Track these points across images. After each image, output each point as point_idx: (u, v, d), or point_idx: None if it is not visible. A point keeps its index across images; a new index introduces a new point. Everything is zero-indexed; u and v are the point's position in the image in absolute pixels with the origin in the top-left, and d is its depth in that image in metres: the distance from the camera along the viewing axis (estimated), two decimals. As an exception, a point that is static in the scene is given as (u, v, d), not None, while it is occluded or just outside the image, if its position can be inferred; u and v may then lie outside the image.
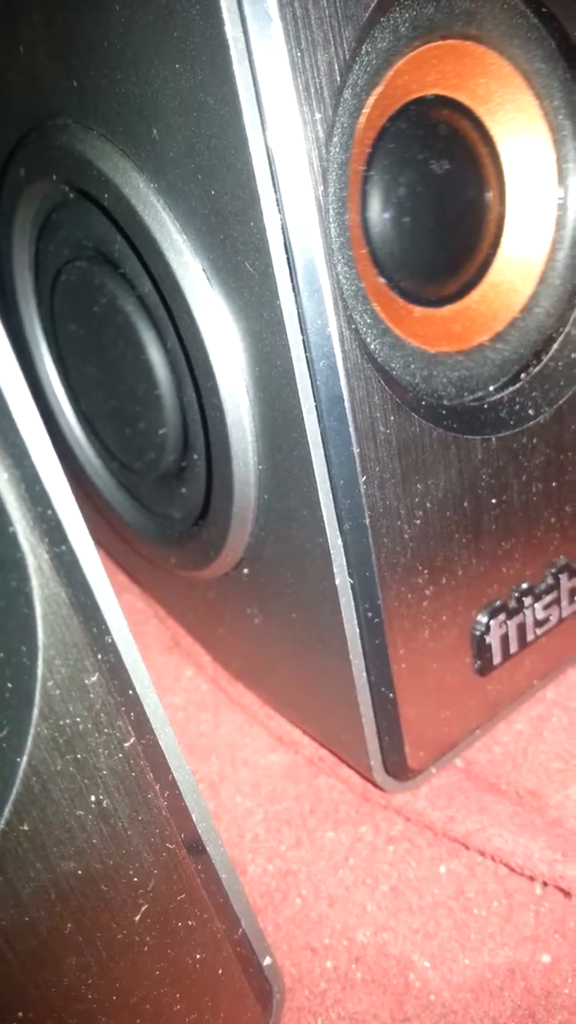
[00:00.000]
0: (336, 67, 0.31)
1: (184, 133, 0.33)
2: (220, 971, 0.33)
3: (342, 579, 0.37)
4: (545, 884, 0.41)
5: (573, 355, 0.42)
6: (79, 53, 0.36)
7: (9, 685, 0.26)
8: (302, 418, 0.34)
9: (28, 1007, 0.27)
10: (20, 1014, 0.27)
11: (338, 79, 0.31)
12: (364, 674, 0.40)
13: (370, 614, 0.38)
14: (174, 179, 0.35)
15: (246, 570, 0.44)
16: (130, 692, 0.28)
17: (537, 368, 0.41)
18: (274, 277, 0.32)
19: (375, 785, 0.43)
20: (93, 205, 0.39)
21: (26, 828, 0.26)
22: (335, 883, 0.42)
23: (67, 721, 0.26)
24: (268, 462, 0.38)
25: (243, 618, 0.47)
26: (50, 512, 0.25)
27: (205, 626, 0.54)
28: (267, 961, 0.35)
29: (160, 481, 0.45)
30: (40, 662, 0.25)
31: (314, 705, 0.46)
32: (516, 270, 0.42)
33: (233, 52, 0.29)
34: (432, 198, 0.39)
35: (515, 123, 0.40)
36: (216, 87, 0.30)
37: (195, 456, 0.42)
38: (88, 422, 0.50)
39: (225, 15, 0.29)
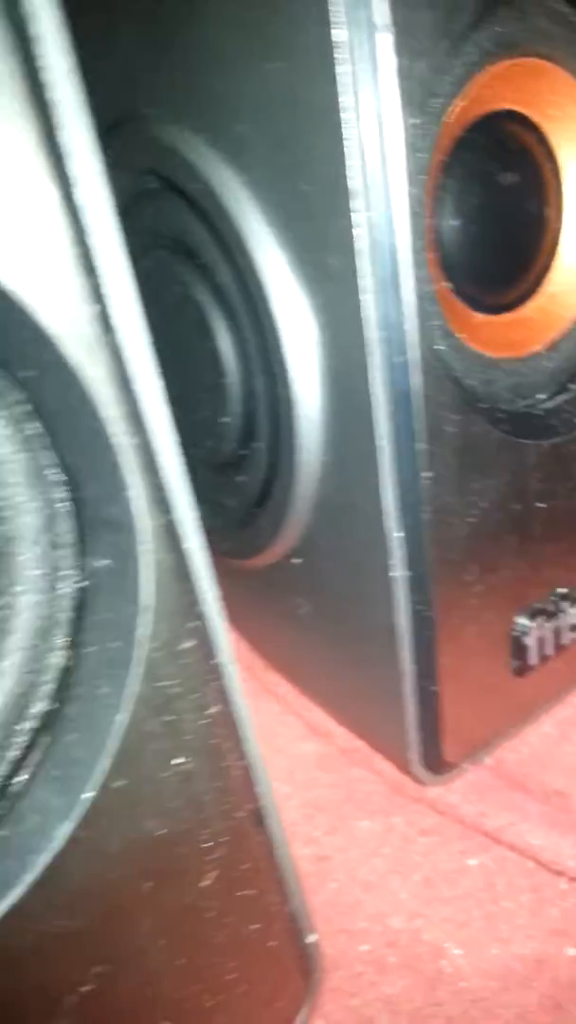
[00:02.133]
0: (432, 75, 0.33)
1: (277, 129, 0.34)
2: (271, 944, 0.34)
3: (398, 572, 0.39)
4: (572, 880, 0.42)
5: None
6: (174, 48, 0.37)
7: (115, 644, 0.26)
8: (372, 412, 0.35)
9: (105, 962, 0.28)
10: (98, 969, 0.28)
11: (432, 87, 0.33)
12: (411, 666, 0.41)
13: (421, 608, 0.39)
14: (263, 173, 0.36)
15: (296, 559, 0.45)
16: (213, 661, 0.29)
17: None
18: (358, 273, 0.33)
19: (412, 777, 0.44)
20: (176, 196, 0.40)
21: (119, 784, 0.27)
22: (369, 870, 0.43)
23: (163, 684, 0.27)
24: (333, 454, 0.39)
25: (287, 607, 0.48)
26: (162, 482, 0.26)
27: (244, 614, 0.55)
28: (310, 938, 0.36)
29: (216, 469, 0.46)
30: (145, 624, 0.26)
31: (353, 696, 0.47)
32: (571, 282, 0.44)
33: (337, 55, 0.30)
34: (497, 209, 0.41)
35: None
36: (316, 87, 0.32)
37: (257, 445, 0.43)
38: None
39: (333, 19, 0.30)
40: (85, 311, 0.23)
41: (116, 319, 0.24)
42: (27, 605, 0.27)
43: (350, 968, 0.39)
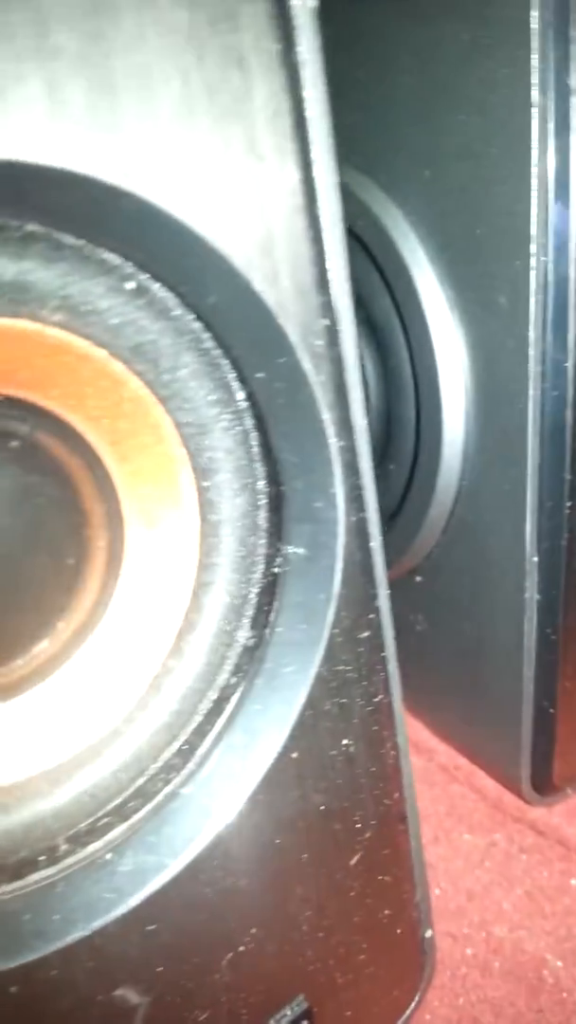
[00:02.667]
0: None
1: (460, 177, 0.37)
2: (398, 931, 0.36)
3: (531, 595, 0.41)
4: None
5: None
6: (357, 95, 0.41)
7: (303, 627, 0.29)
8: (526, 442, 0.38)
9: (261, 926, 0.30)
10: (255, 931, 0.30)
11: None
12: (531, 687, 0.43)
13: (549, 631, 0.41)
14: (436, 215, 0.39)
15: (419, 577, 0.47)
16: (382, 653, 0.31)
17: None
18: (529, 312, 0.36)
19: (520, 796, 0.46)
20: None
21: (294, 756, 0.29)
22: (472, 880, 0.45)
23: (341, 668, 0.30)
24: (473, 478, 0.41)
25: (402, 623, 0.50)
26: (360, 482, 0.29)
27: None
28: (428, 933, 0.38)
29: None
30: (332, 610, 0.29)
31: (464, 714, 0.49)
32: None
33: (534, 113, 0.33)
34: None
35: None
36: (508, 142, 0.35)
37: (391, 466, 0.46)
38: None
39: (534, 82, 0.33)
40: (319, 324, 0.26)
41: (341, 333, 0.27)
42: (224, 584, 0.29)
43: (456, 969, 0.41)
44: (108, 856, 0.27)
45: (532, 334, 0.36)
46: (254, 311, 0.25)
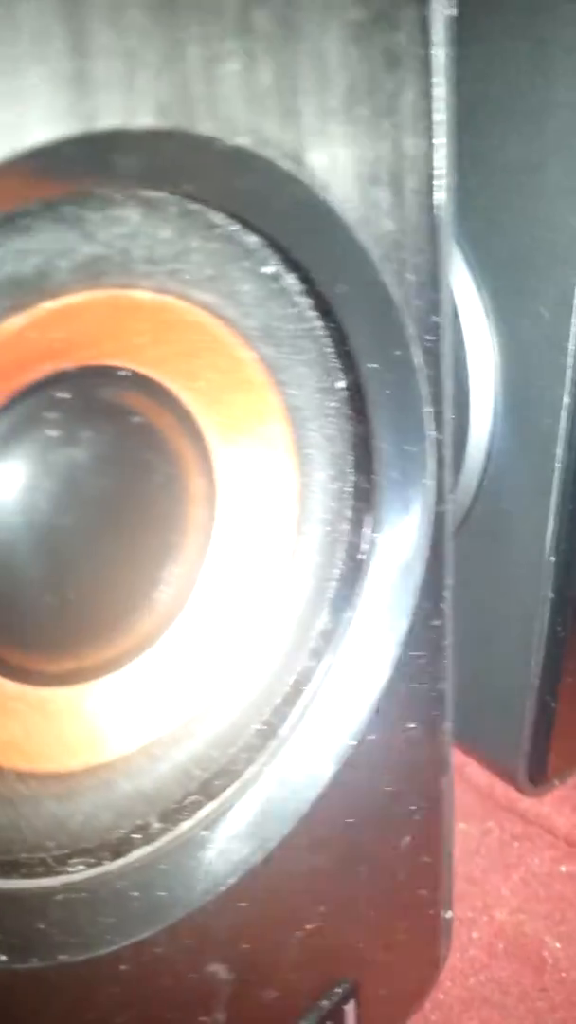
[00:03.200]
0: None
1: (509, 188, 0.39)
2: (430, 911, 0.37)
3: (544, 592, 0.43)
4: None
5: None
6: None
7: (385, 613, 0.30)
8: (555, 447, 0.40)
9: (327, 904, 0.31)
10: (322, 909, 0.31)
11: None
12: (536, 681, 0.45)
13: (559, 628, 0.44)
14: (478, 222, 0.41)
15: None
16: (445, 642, 0.33)
17: None
18: (571, 324, 0.38)
19: (514, 785, 0.48)
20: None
21: (372, 738, 0.30)
22: (471, 866, 0.46)
23: (415, 654, 0.31)
24: (497, 479, 0.43)
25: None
26: (443, 475, 0.30)
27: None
28: (449, 914, 0.39)
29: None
30: (415, 597, 0.30)
31: (464, 704, 0.50)
32: None
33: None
34: None
35: None
36: (567, 159, 0.37)
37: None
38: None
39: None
40: (431, 320, 0.28)
41: (443, 330, 0.28)
42: (311, 569, 0.30)
43: (464, 951, 0.42)
44: (203, 834, 0.27)
45: (572, 346, 0.38)
46: (381, 303, 0.26)
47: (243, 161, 0.22)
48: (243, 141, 0.21)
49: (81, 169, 0.19)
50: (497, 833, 0.49)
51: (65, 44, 0.18)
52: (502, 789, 0.50)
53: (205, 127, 0.21)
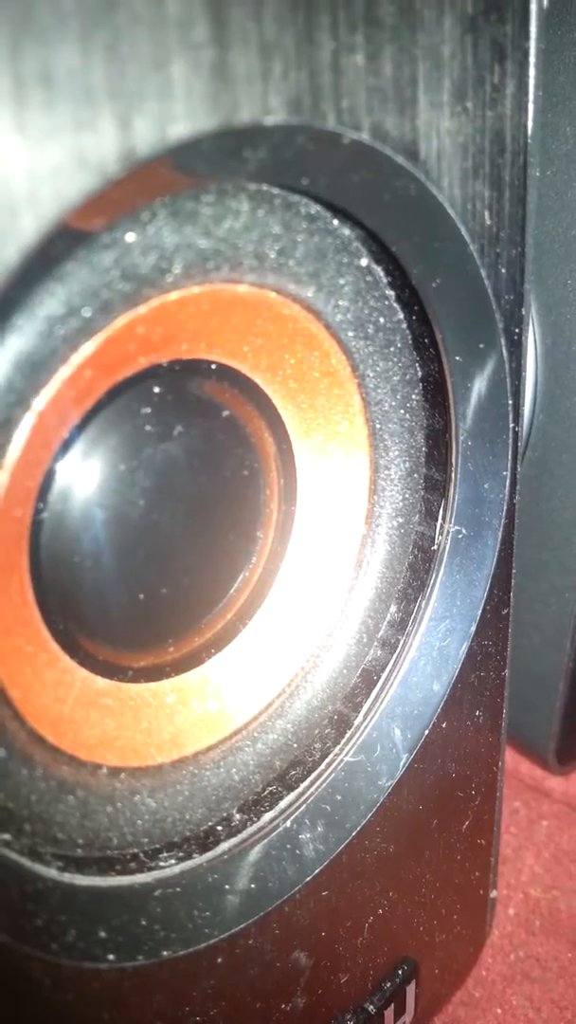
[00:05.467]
0: None
1: (558, 179, 0.39)
2: (480, 892, 0.37)
3: (579, 578, 0.43)
4: None
5: None
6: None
7: (458, 603, 0.30)
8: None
9: (396, 889, 0.32)
10: (391, 894, 0.31)
11: None
12: (571, 664, 0.45)
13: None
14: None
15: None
16: (509, 630, 0.33)
17: None
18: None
19: (542, 765, 0.49)
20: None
21: (443, 726, 0.30)
22: (503, 845, 0.47)
23: (485, 643, 0.31)
24: (536, 464, 0.43)
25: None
26: (516, 470, 0.30)
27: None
28: (493, 894, 0.40)
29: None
30: (487, 587, 0.30)
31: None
32: None
33: None
34: None
35: None
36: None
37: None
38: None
39: None
40: (519, 314, 0.27)
41: (526, 331, 0.28)
42: (383, 561, 0.30)
43: (503, 928, 0.43)
44: (288, 825, 0.28)
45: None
46: (475, 297, 0.26)
47: (363, 155, 0.21)
48: (363, 135, 0.21)
49: (216, 164, 0.19)
50: (524, 812, 0.49)
51: (208, 33, 0.18)
52: (527, 768, 0.51)
53: (329, 120, 0.20)
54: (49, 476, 0.22)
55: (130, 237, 0.20)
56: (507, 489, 0.30)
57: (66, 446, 0.23)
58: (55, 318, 0.19)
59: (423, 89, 0.22)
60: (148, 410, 0.24)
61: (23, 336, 0.19)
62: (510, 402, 0.28)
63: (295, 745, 0.29)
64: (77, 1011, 0.22)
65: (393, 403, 0.28)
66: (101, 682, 0.25)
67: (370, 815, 0.29)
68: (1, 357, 0.18)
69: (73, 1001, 0.22)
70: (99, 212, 0.18)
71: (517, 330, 0.28)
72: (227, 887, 0.26)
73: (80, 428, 0.23)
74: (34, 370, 0.19)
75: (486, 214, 0.25)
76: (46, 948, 0.21)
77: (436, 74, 0.22)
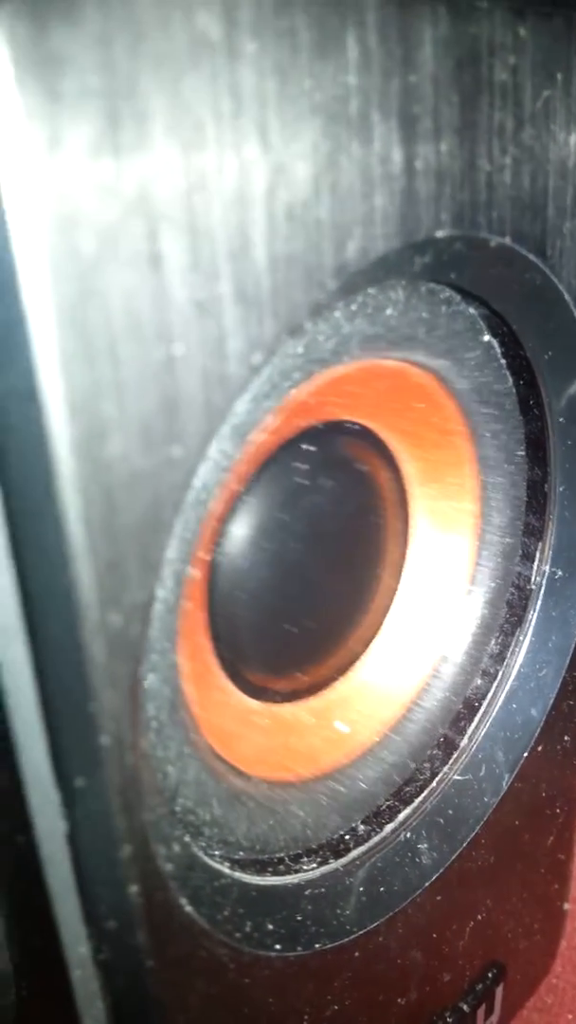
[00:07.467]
0: None
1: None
2: (558, 903, 0.41)
3: None
4: None
5: None
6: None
7: (554, 637, 0.34)
8: None
9: (494, 898, 0.35)
10: (489, 903, 0.34)
11: None
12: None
13: None
14: None
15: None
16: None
17: None
18: None
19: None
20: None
21: (541, 748, 0.34)
22: (565, 862, 0.50)
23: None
24: None
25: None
26: None
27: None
28: (566, 906, 0.43)
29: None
30: (582, 623, 0.34)
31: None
32: None
33: None
34: None
35: None
36: None
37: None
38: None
39: None
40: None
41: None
42: (486, 597, 0.34)
43: (570, 939, 0.46)
44: (407, 836, 0.31)
45: None
46: (579, 367, 0.30)
47: (504, 254, 0.25)
48: (507, 240, 0.25)
49: (394, 269, 0.23)
50: (583, 831, 0.52)
51: (402, 166, 0.21)
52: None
53: (482, 229, 0.24)
54: (225, 524, 0.26)
55: (316, 329, 0.23)
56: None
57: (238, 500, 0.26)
58: (261, 395, 0.22)
59: (551, 196, 0.26)
60: (303, 465, 0.28)
61: (237, 414, 0.22)
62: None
63: (411, 764, 0.32)
64: (253, 995, 0.25)
65: (500, 458, 0.32)
66: (253, 703, 0.29)
67: (478, 828, 0.32)
68: (223, 431, 0.22)
69: (250, 985, 0.25)
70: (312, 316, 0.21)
71: (613, 395, 0.31)
72: (361, 889, 0.29)
73: (251, 484, 0.26)
74: (242, 440, 0.23)
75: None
76: (232, 936, 0.24)
77: (561, 184, 0.26)
